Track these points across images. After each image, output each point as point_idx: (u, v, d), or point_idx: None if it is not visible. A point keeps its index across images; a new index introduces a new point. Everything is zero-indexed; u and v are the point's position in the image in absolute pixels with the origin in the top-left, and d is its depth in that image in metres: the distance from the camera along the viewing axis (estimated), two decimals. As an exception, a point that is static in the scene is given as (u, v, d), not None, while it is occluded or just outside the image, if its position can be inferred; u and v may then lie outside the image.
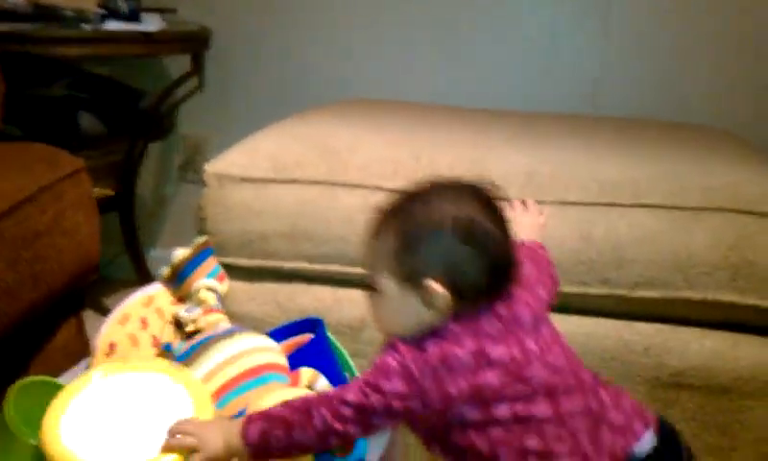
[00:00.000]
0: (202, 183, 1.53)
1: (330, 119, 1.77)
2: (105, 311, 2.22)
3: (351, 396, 0.96)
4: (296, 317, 1.38)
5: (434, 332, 0.98)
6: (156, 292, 1.36)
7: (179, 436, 0.96)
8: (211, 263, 1.37)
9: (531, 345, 0.98)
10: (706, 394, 1.33)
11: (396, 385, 0.95)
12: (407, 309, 1.00)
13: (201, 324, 1.26)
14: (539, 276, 1.11)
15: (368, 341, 1.42)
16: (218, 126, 2.54)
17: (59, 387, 1.14)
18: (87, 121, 2.18)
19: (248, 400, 1.06)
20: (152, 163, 2.60)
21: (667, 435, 1.01)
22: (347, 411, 0.95)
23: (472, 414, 0.96)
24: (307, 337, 1.28)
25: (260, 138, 1.58)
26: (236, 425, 0.97)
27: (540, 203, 1.38)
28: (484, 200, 1.01)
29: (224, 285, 1.37)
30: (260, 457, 0.98)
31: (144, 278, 2.37)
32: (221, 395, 1.08)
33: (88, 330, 1.61)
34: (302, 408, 0.97)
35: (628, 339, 1.36)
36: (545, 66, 2.32)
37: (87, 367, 1.29)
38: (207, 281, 1.34)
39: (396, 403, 0.95)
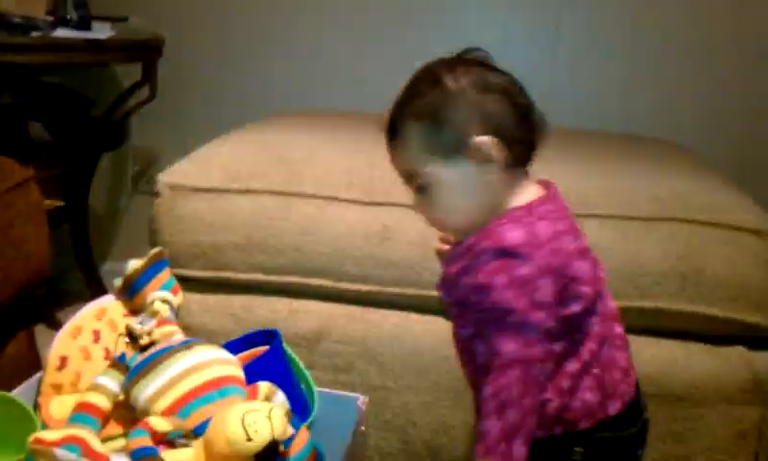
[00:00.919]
0: (155, 195, 1.51)
1: (284, 129, 1.76)
2: (56, 325, 2.18)
3: (530, 335, 0.92)
4: (251, 329, 1.36)
5: (528, 209, 0.97)
6: (109, 304, 1.34)
7: None
8: (165, 275, 1.35)
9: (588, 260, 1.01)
10: (660, 402, 1.34)
11: (546, 287, 0.93)
12: (465, 184, 0.99)
13: (155, 336, 1.25)
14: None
15: (324, 352, 1.42)
16: (172, 136, 2.53)
17: (10, 401, 1.12)
18: (36, 129, 2.14)
19: (209, 412, 1.05)
20: (104, 174, 2.56)
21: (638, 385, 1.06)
22: (544, 347, 0.93)
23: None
24: (263, 349, 1.27)
25: (214, 148, 1.57)
26: None
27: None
28: (478, 60, 1.02)
29: (178, 297, 1.36)
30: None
31: (97, 291, 2.33)
32: (181, 406, 1.06)
33: (40, 344, 1.58)
34: (527, 383, 0.92)
35: (582, 348, 1.37)
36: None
37: (39, 381, 1.27)
38: (161, 293, 1.32)
39: (552, 298, 0.94)
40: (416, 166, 1.00)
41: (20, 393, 1.19)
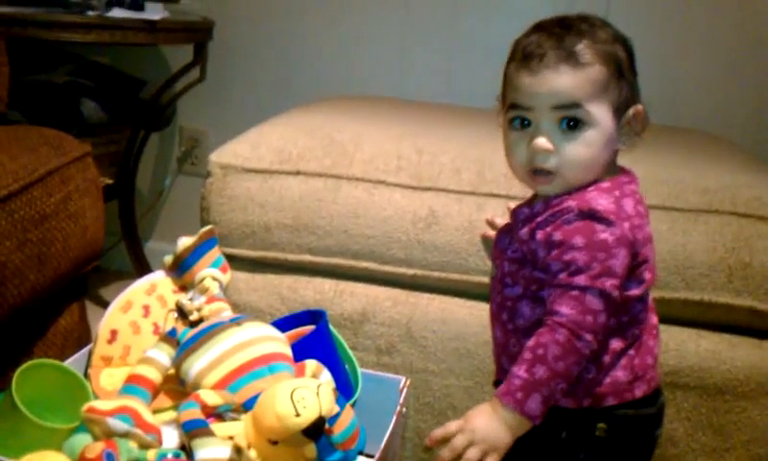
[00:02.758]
0: (199, 176, 1.53)
1: (334, 113, 1.78)
2: (102, 302, 2.23)
3: (595, 301, 0.93)
4: (297, 309, 1.39)
5: (617, 185, 0.99)
6: (159, 280, 1.37)
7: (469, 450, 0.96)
8: (215, 253, 1.37)
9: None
10: (701, 394, 1.34)
11: (621, 258, 0.94)
12: (614, 142, 1.01)
13: (204, 312, 1.27)
14: None
15: (368, 334, 1.44)
16: (216, 119, 2.55)
17: (64, 371, 1.15)
18: (90, 108, 2.18)
19: (258, 387, 1.07)
20: (149, 155, 2.60)
21: None
22: (601, 318, 0.93)
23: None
24: (309, 328, 1.29)
25: (264, 130, 1.59)
26: (507, 414, 0.96)
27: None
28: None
29: (227, 275, 1.38)
30: (542, 420, 0.96)
31: (141, 268, 2.38)
32: (231, 380, 1.09)
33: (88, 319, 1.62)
34: (566, 349, 0.93)
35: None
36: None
37: (89, 353, 1.30)
38: (211, 271, 1.34)
39: (623, 271, 0.94)
40: (587, 101, 0.98)
41: (71, 364, 1.22)
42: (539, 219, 0.99)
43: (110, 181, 2.25)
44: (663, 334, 1.34)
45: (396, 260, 1.43)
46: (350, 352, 1.33)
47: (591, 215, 0.94)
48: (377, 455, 1.13)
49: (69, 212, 1.36)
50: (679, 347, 1.35)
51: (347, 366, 1.31)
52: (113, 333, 1.28)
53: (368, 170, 1.47)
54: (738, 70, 2.24)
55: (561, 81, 0.98)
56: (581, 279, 0.93)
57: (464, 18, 2.36)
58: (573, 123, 0.98)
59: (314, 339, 1.26)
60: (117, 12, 2.06)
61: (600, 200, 0.96)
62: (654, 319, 1.07)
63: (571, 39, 0.99)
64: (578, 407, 1.01)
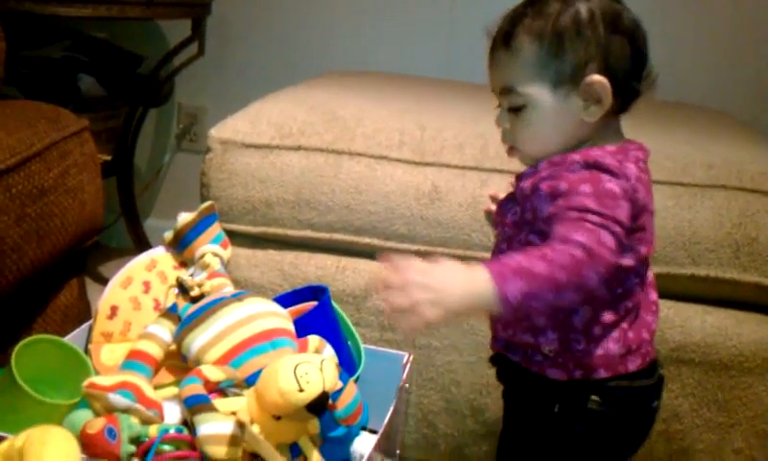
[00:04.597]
0: (198, 152, 1.52)
1: (334, 89, 1.76)
2: (101, 278, 2.22)
3: (608, 238, 0.88)
4: (299, 285, 1.38)
5: (622, 150, 0.97)
6: (159, 256, 1.36)
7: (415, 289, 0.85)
8: (215, 229, 1.36)
9: None
10: (706, 370, 1.34)
11: (626, 210, 0.91)
12: (563, 116, 0.97)
13: (206, 288, 1.26)
14: None
15: (371, 310, 1.43)
16: (215, 95, 2.54)
17: (64, 347, 1.15)
18: (87, 84, 2.16)
19: (261, 363, 1.06)
20: (148, 131, 2.58)
21: None
22: (610, 256, 0.88)
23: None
24: (311, 304, 1.28)
25: (265, 105, 1.58)
26: (482, 280, 0.86)
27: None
28: None
29: (227, 251, 1.37)
30: (510, 313, 0.88)
31: (141, 245, 2.37)
32: (233, 356, 1.08)
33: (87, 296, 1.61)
34: (571, 266, 0.86)
35: (630, 313, 1.37)
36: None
37: (89, 329, 1.29)
38: (212, 246, 1.33)
39: (628, 224, 0.92)
40: (520, 84, 0.98)
41: (71, 340, 1.22)
42: (542, 173, 0.97)
43: (108, 158, 2.23)
44: (669, 310, 1.35)
45: (398, 236, 1.42)
46: (353, 328, 1.32)
47: (597, 166, 0.93)
48: (380, 431, 1.12)
49: (67, 187, 1.35)
50: (685, 323, 1.34)
51: (349, 342, 1.30)
52: (113, 309, 1.28)
53: (370, 145, 1.45)
54: (743, 46, 2.23)
55: (499, 67, 1.01)
56: (594, 217, 0.89)
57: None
58: (514, 107, 0.99)
59: (316, 315, 1.25)
60: (115, -14, 2.04)
61: (605, 156, 0.94)
62: (653, 295, 1.05)
63: (513, 23, 1.00)
64: (569, 379, 0.99)
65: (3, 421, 1.04)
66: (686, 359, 1.34)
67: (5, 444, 0.90)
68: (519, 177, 1.03)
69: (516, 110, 0.99)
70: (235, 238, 1.48)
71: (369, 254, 1.44)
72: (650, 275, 1.05)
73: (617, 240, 0.89)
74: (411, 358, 1.29)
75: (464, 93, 1.88)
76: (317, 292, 1.31)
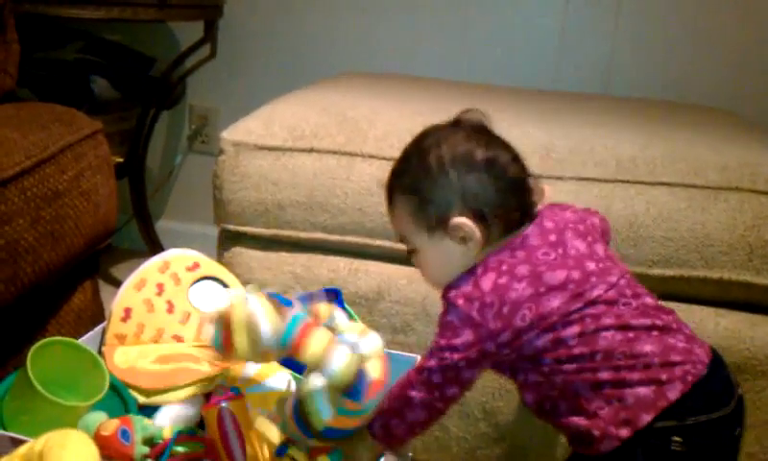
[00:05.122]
0: (210, 154, 1.52)
1: (345, 90, 1.76)
2: (113, 280, 2.23)
3: (433, 363, 1.01)
4: (312, 287, 1.38)
5: (484, 265, 1.02)
6: (172, 257, 1.36)
7: None
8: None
9: (589, 263, 1.02)
10: (720, 373, 1.33)
11: (466, 337, 1.00)
12: (446, 256, 1.05)
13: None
14: (582, 214, 1.12)
15: (383, 312, 1.43)
16: (227, 97, 2.54)
17: (79, 349, 1.15)
18: (100, 86, 2.17)
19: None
20: (160, 133, 2.59)
21: (722, 364, 1.04)
22: (436, 378, 1.01)
23: (543, 341, 0.99)
24: (324, 306, 1.28)
25: (277, 107, 1.58)
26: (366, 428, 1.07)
27: (558, 178, 1.39)
28: (476, 129, 1.07)
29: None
30: (394, 445, 1.09)
31: (153, 247, 2.37)
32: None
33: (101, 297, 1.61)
34: (401, 395, 1.04)
35: (643, 316, 1.37)
36: (557, 48, 2.31)
37: (103, 331, 1.30)
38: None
39: (473, 353, 1.00)
40: (405, 234, 1.09)
41: (85, 342, 1.22)
42: None
43: (121, 160, 2.24)
44: (682, 313, 1.32)
45: (410, 238, 1.42)
46: (366, 331, 1.32)
47: (446, 302, 1.03)
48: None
49: (82, 189, 1.35)
50: (698, 325, 1.33)
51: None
52: (127, 311, 1.28)
53: (382, 147, 1.45)
54: (753, 47, 2.22)
55: (391, 219, 1.13)
56: (434, 347, 1.02)
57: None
58: (409, 251, 1.11)
59: (329, 317, 1.25)
60: (127, -12, 2.04)
61: (454, 290, 1.03)
62: (658, 319, 1.02)
63: (390, 182, 1.11)
64: (622, 442, 0.97)
65: (18, 422, 1.05)
66: (700, 362, 1.33)
67: (24, 447, 0.90)
68: None
69: (411, 255, 1.11)
70: (248, 241, 1.48)
71: (381, 256, 1.45)
72: (647, 301, 1.03)
73: (444, 364, 1.00)
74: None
75: (475, 95, 1.87)
76: (330, 294, 1.31)
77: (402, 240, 1.11)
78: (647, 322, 1.00)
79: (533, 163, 1.36)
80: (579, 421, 0.99)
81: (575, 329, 0.98)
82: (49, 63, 2.15)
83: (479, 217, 1.02)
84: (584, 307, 0.99)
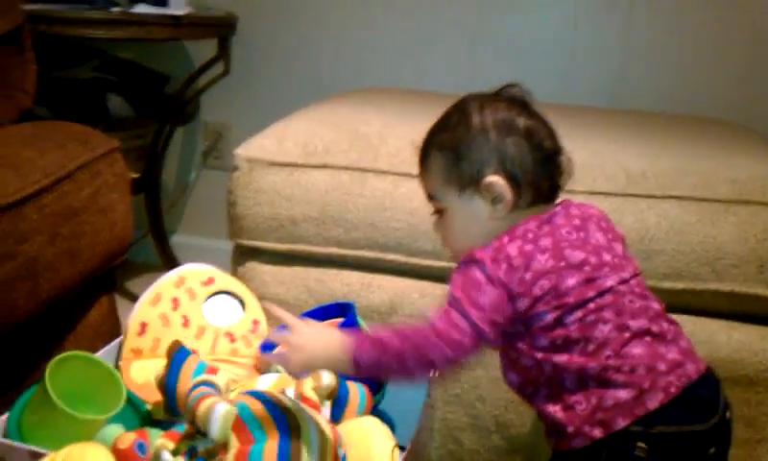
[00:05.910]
0: (225, 170, 1.54)
1: (357, 106, 1.78)
2: (129, 295, 2.25)
3: (459, 319, 0.98)
4: (325, 301, 1.39)
5: (510, 233, 1.02)
6: (188, 272, 1.38)
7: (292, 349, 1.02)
8: (192, 362, 1.13)
9: (606, 255, 1.03)
10: (732, 386, 1.33)
11: (491, 296, 0.99)
12: (473, 216, 1.06)
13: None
14: (606, 215, 1.13)
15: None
16: (240, 113, 2.56)
17: (96, 363, 1.16)
18: (115, 103, 2.19)
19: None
20: (175, 149, 2.62)
21: (711, 383, 1.04)
22: (457, 335, 0.98)
23: (549, 318, 0.99)
24: (337, 321, 1.30)
25: (290, 124, 1.60)
26: (341, 341, 1.01)
27: (568, 192, 1.39)
28: (517, 101, 1.09)
29: (220, 375, 1.11)
30: (362, 375, 1.04)
31: (168, 262, 2.39)
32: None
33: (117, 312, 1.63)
34: (419, 344, 0.99)
35: (655, 330, 1.37)
36: (567, 62, 2.32)
37: (119, 346, 1.31)
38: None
39: (496, 315, 0.99)
40: (436, 189, 1.10)
41: (102, 356, 1.23)
42: None
43: (137, 176, 2.27)
44: (695, 326, 1.34)
45: (423, 252, 1.43)
46: (379, 345, 1.33)
47: (469, 261, 1.02)
48: (407, 447, 1.13)
49: (99, 207, 1.37)
50: (710, 338, 1.34)
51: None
52: (143, 326, 1.29)
53: (394, 163, 1.46)
54: (764, 61, 2.22)
55: (422, 178, 1.13)
56: (453, 301, 1.00)
57: (485, 10, 2.35)
58: (437, 211, 1.11)
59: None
60: (141, 8, 2.07)
61: (480, 251, 1.02)
62: (655, 326, 1.02)
63: (426, 139, 1.12)
64: (593, 442, 0.98)
65: (37, 435, 1.06)
66: (712, 375, 1.34)
67: (44, 460, 0.91)
68: None
69: (439, 214, 1.11)
70: (262, 256, 1.50)
71: (394, 270, 1.46)
72: (653, 306, 1.03)
73: (468, 319, 0.98)
74: (436, 375, 1.29)
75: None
76: (343, 308, 1.32)
77: (430, 199, 1.12)
78: (644, 325, 1.00)
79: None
80: (556, 411, 1.00)
81: (578, 314, 0.99)
82: (65, 82, 2.18)
83: (512, 180, 1.04)
84: (595, 297, 1.00)
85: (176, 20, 2.07)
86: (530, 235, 1.03)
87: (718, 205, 1.36)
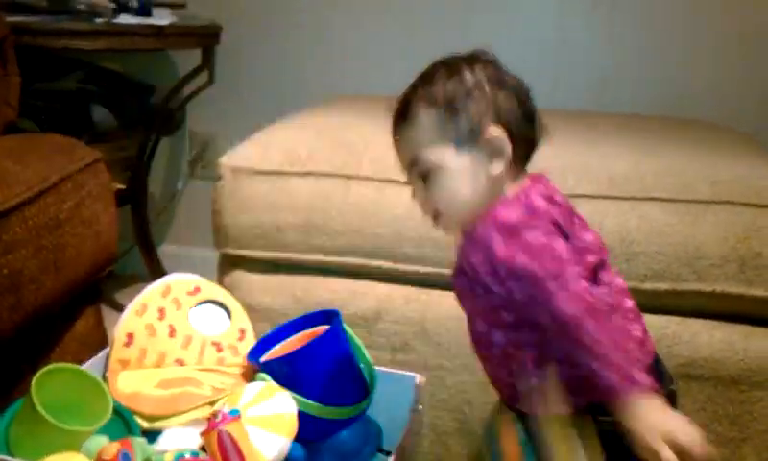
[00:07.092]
0: (211, 179, 1.54)
1: (340, 113, 1.79)
2: (117, 306, 2.24)
3: (577, 285, 0.92)
4: (311, 309, 1.39)
5: (522, 190, 1.00)
6: (174, 282, 1.38)
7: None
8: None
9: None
10: (715, 385, 1.35)
11: (561, 245, 0.94)
12: (471, 173, 1.01)
13: None
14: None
15: (382, 332, 1.44)
16: (226, 122, 2.56)
17: (82, 375, 1.16)
18: (100, 114, 2.19)
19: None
20: (160, 159, 2.61)
21: (659, 359, 1.05)
22: (584, 293, 0.92)
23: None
24: (323, 328, 1.30)
25: (273, 131, 1.60)
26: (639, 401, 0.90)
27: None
28: (492, 59, 1.07)
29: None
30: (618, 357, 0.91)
31: (156, 272, 2.39)
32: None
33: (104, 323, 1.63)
34: (594, 316, 0.91)
35: (638, 331, 1.38)
36: (552, 65, 2.34)
37: (106, 357, 1.31)
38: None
39: (569, 253, 0.94)
40: (423, 151, 1.03)
41: (88, 367, 1.23)
42: (475, 257, 1.00)
43: (123, 187, 2.27)
44: (678, 326, 1.36)
45: (408, 258, 1.44)
46: (365, 351, 1.33)
47: (510, 231, 0.96)
48: (394, 452, 1.13)
49: (83, 218, 1.37)
50: (692, 338, 1.35)
51: (362, 365, 1.31)
52: (130, 336, 1.29)
53: (378, 169, 1.47)
54: (745, 60, 2.24)
55: (402, 141, 1.06)
56: (552, 284, 0.92)
57: (471, 16, 2.36)
58: (423, 174, 1.03)
59: (328, 339, 1.26)
60: (125, 19, 2.07)
61: (508, 212, 0.98)
62: (627, 302, 1.04)
63: (407, 97, 1.06)
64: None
65: (23, 447, 1.06)
66: (695, 375, 1.35)
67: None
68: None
69: (426, 179, 1.03)
70: (247, 264, 1.50)
71: (379, 276, 1.46)
72: (618, 282, 1.04)
73: (579, 275, 0.93)
74: (423, 380, 1.30)
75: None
76: (328, 316, 1.32)
77: (412, 165, 1.05)
78: (618, 300, 1.02)
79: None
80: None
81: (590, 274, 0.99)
82: (50, 94, 2.18)
83: (509, 132, 1.01)
84: (597, 263, 1.00)
85: (159, 30, 2.08)
86: (541, 187, 1.02)
87: (698, 205, 1.37)
